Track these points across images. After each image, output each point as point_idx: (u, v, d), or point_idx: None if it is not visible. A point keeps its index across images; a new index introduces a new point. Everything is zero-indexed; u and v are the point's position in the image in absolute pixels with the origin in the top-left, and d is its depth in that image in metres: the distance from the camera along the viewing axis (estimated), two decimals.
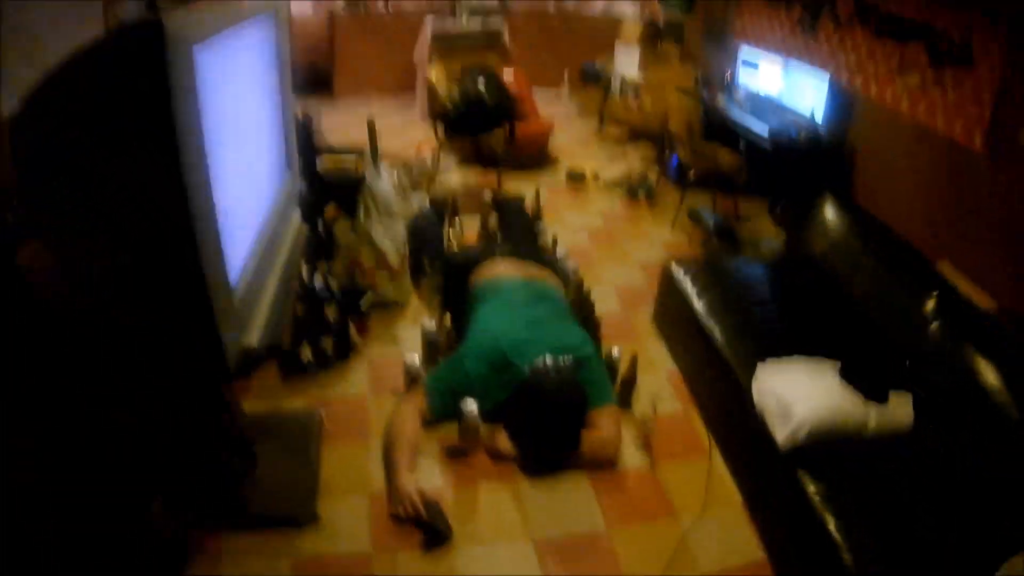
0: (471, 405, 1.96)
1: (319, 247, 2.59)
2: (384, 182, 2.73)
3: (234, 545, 1.75)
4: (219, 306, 1.18)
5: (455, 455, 2.03)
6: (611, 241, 3.70)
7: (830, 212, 2.65)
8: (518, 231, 3.23)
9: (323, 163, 3.01)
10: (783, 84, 3.97)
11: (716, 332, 2.28)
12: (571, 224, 3.85)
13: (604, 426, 2.04)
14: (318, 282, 2.47)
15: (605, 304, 2.96)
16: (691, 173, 3.74)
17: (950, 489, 1.62)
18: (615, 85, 5.16)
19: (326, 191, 2.76)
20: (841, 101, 3.50)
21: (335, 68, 5.75)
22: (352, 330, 2.49)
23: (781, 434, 1.75)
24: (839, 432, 1.74)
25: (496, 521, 1.84)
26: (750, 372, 2.00)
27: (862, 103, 3.39)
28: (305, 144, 2.59)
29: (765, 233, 3.70)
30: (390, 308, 2.81)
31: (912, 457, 1.72)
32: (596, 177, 4.50)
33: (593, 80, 5.48)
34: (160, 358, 1.25)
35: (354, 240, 2.69)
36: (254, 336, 1.41)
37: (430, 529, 1.73)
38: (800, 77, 3.78)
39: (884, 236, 2.55)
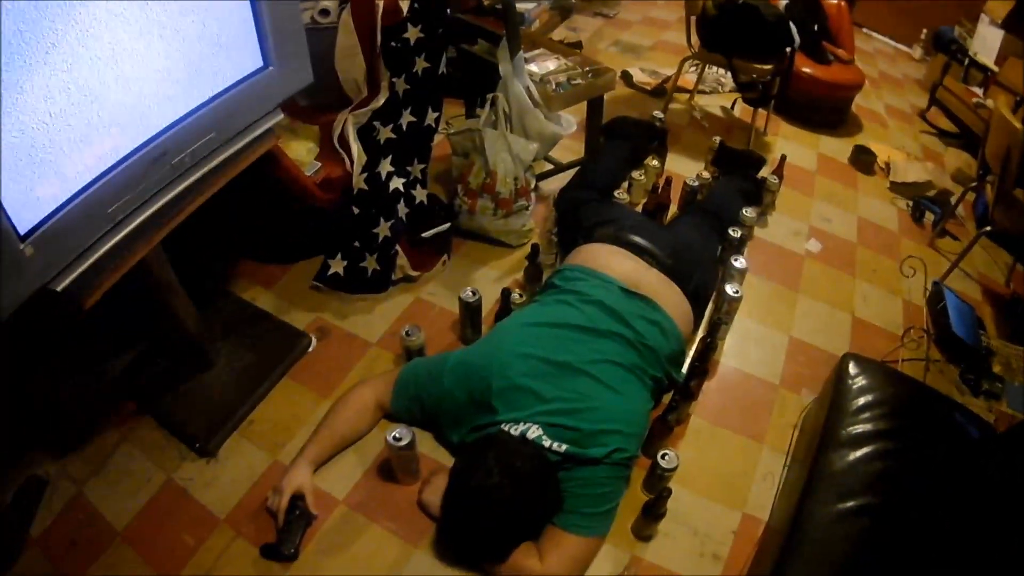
0: (399, 432, 1.39)
1: (419, 142, 2.02)
2: (524, 85, 2.00)
3: (141, 433, 1.62)
4: None
5: (385, 475, 1.54)
6: (845, 267, 2.50)
7: None
8: (714, 206, 2.27)
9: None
10: None
11: (824, 500, 1.37)
12: (811, 220, 2.69)
13: (551, 558, 1.34)
14: (395, 184, 1.94)
15: (761, 362, 1.97)
16: (992, 225, 2.41)
17: None
18: (963, 64, 3.66)
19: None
20: None
21: None
22: (403, 259, 1.95)
23: None
24: None
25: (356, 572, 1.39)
26: None
27: None
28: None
29: None
30: (492, 247, 2.19)
31: None
32: (887, 168, 3.20)
33: (944, 49, 4.03)
34: None
35: (468, 148, 2.08)
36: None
37: (279, 539, 1.39)
38: None
39: None
